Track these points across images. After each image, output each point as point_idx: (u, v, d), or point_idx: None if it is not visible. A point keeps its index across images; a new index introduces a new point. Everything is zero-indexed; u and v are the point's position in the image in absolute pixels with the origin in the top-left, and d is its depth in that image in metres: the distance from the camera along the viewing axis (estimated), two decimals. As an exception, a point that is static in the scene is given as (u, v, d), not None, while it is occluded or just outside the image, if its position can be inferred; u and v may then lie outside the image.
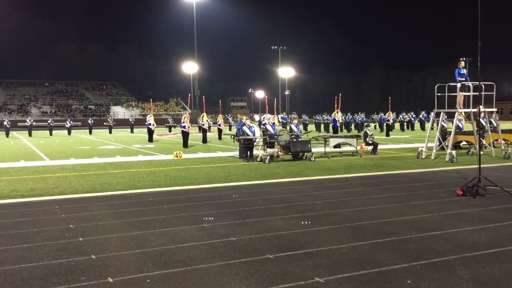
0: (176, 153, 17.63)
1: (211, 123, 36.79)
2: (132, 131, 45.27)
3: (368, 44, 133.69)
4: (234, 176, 12.27)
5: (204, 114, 28.34)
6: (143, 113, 72.53)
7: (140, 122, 56.36)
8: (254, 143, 16.94)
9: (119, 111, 76.99)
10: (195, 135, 31.72)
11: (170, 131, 44.48)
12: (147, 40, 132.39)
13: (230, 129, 41.76)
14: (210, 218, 7.36)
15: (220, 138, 29.50)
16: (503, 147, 16.33)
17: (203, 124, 27.56)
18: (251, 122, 17.97)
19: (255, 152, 16.88)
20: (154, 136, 29.89)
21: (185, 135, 23.46)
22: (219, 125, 30.87)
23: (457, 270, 4.84)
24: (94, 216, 7.66)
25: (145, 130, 30.80)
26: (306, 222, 6.99)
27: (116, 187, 10.65)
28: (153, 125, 28.72)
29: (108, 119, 50.11)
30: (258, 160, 15.92)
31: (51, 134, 40.78)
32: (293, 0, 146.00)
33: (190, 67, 74.86)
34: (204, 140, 26.42)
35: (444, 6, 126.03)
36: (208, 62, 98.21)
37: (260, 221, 7.12)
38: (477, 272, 4.78)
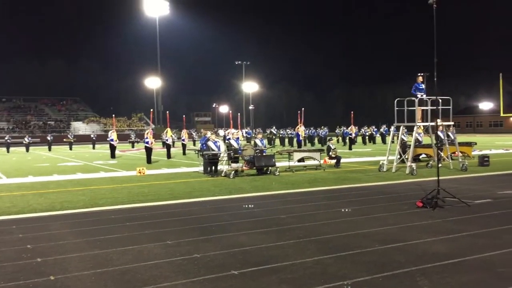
0: (139, 169, 17.37)
1: (175, 138, 36.49)
2: (93, 147, 44.36)
3: (330, 59, 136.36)
4: (198, 192, 12.18)
5: (168, 129, 28.06)
6: (105, 128, 71.29)
7: (102, 138, 55.27)
8: (219, 158, 16.90)
9: (80, 127, 75.42)
10: (158, 150, 31.35)
11: (133, 147, 43.82)
12: (110, 54, 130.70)
13: (194, 144, 41.52)
14: (173, 235, 7.26)
15: (184, 153, 29.28)
16: (460, 160, 16.87)
17: (167, 140, 27.30)
18: (215, 137, 17.94)
19: (219, 167, 16.83)
20: (117, 152, 29.38)
21: (149, 150, 23.16)
22: (183, 140, 30.66)
23: (419, 281, 4.94)
24: (53, 236, 7.44)
25: (107, 146, 30.22)
26: (271, 237, 7.00)
27: (76, 205, 10.38)
28: (116, 141, 28.24)
29: (69, 135, 48.93)
30: (222, 175, 15.88)
31: (8, 151, 39.46)
32: (257, 16, 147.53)
33: (153, 82, 74.23)
34: (168, 155, 26.16)
35: (404, 23, 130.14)
36: (172, 77, 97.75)
37: (224, 237, 7.08)
38: (437, 282, 4.89)
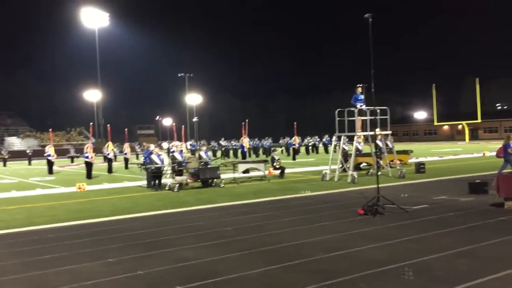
0: (79, 185, 16.77)
1: (117, 152, 35.58)
2: (29, 163, 42.38)
3: (273, 70, 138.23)
4: (141, 207, 11.92)
5: (109, 143, 27.32)
6: (42, 143, 68.38)
7: (38, 153, 52.93)
8: (163, 172, 16.63)
9: (15, 142, 71.90)
10: (99, 165, 30.43)
11: (72, 162, 42.31)
12: (47, 67, 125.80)
13: (137, 158, 40.64)
14: (115, 253, 7.04)
15: (126, 167, 28.58)
16: (398, 167, 17.52)
17: (108, 154, 26.57)
18: (159, 150, 17.66)
19: (163, 180, 16.56)
20: (55, 167, 28.24)
21: (89, 165, 22.42)
22: (126, 154, 29.95)
23: (362, 287, 5.05)
24: (-15, 258, 7.01)
25: (45, 161, 28.97)
26: (216, 250, 6.94)
27: (11, 224, 9.85)
28: (53, 156, 27.13)
29: (2, 151, 46.54)
30: (166, 188, 15.63)
31: None
32: (199, 28, 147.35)
33: (93, 95, 72.21)
34: (110, 170, 25.44)
35: (343, 35, 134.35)
36: (113, 89, 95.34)
37: (169, 252, 6.95)
38: (379, 288, 5.02)
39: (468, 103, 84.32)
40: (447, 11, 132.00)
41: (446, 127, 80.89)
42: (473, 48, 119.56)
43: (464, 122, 64.10)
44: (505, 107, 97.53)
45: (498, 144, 45.74)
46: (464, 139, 64.28)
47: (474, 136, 74.22)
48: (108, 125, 30.66)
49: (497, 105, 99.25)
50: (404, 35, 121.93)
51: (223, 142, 44.02)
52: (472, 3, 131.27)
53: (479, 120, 57.29)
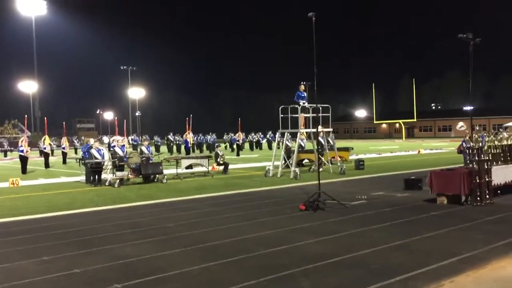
0: (12, 180, 15.98)
1: (54, 146, 34.20)
2: (-42, 157, 39.94)
3: (218, 66, 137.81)
4: (79, 203, 11.52)
5: (46, 136, 26.24)
6: (-27, 136, 64.61)
7: (-32, 146, 49.97)
8: (103, 167, 16.15)
9: None
10: (35, 159, 29.14)
11: (5, 156, 40.26)
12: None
13: (76, 152, 39.23)
14: (50, 250, 6.76)
15: (64, 162, 27.53)
16: (339, 164, 17.96)
17: (45, 148, 25.49)
18: (99, 145, 17.14)
19: (103, 176, 16.09)
20: (-14, 162, 26.74)
21: (24, 160, 21.40)
22: (64, 148, 28.84)
23: (301, 281, 5.13)
24: None
25: (-25, 155, 27.39)
26: (157, 246, 6.82)
27: None
28: (-15, 149, 25.69)
29: None
30: (106, 184, 15.21)
31: None
32: (144, 21, 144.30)
33: (29, 86, 68.98)
34: (46, 164, 24.42)
35: (287, 32, 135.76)
36: (51, 81, 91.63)
37: (107, 249, 6.76)
38: (317, 282, 5.12)
39: (405, 103, 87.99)
40: (385, 14, 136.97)
41: (384, 126, 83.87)
42: (410, 50, 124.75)
43: (401, 121, 66.71)
44: (439, 107, 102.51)
45: (433, 142, 47.65)
46: (401, 137, 66.92)
47: (410, 135, 77.50)
48: (45, 118, 29.39)
49: (432, 105, 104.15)
50: (346, 35, 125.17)
51: (171, 137, 42.49)
52: (408, 8, 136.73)
53: (415, 119, 59.80)
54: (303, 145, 21.06)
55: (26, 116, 34.40)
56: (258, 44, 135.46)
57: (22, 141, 21.97)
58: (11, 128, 75.40)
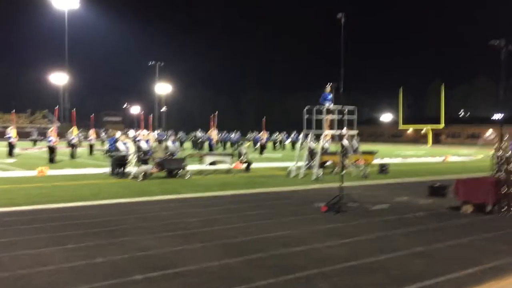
0: (40, 169, 16.37)
1: (81, 138, 34.88)
2: (-11, 144, 41.07)
3: (244, 65, 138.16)
4: (104, 194, 11.73)
5: (74, 128, 26.76)
6: (4, 125, 66.35)
7: (0, 135, 51.36)
8: (128, 160, 16.41)
9: (-25, 122, 69.51)
10: (63, 149, 29.76)
11: (35, 145, 41.24)
12: (11, 45, 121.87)
13: (102, 145, 39.94)
14: (75, 239, 6.92)
15: (91, 153, 28.07)
16: (362, 167, 17.82)
17: (73, 139, 26.02)
18: (125, 138, 17.41)
19: (128, 169, 16.34)
20: (16, 150, 27.44)
21: (52, 149, 21.92)
22: (91, 140, 29.41)
23: (319, 283, 5.13)
24: None
25: (5, 143, 28.11)
26: (177, 241, 6.91)
27: (-34, 207, 9.54)
28: (15, 138, 26.35)
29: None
30: (131, 177, 15.44)
31: None
32: (173, 16, 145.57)
33: (60, 78, 70.44)
34: (73, 155, 24.93)
35: (314, 34, 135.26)
36: (81, 74, 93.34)
37: (129, 241, 6.88)
38: (335, 284, 5.12)
39: (433, 108, 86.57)
40: (416, 17, 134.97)
41: (410, 130, 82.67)
42: (440, 54, 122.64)
43: (428, 126, 65.64)
44: (467, 114, 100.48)
45: (461, 149, 46.60)
46: (427, 143, 65.87)
47: (437, 141, 76.17)
48: (73, 110, 29.99)
49: (460, 111, 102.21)
50: (375, 38, 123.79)
51: (199, 133, 42.21)
52: (443, 12, 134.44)
53: (442, 125, 58.78)
54: (326, 147, 20.94)
55: (56, 107, 35.18)
56: (287, 44, 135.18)
57: (51, 131, 22.50)
58: (41, 118, 77.14)
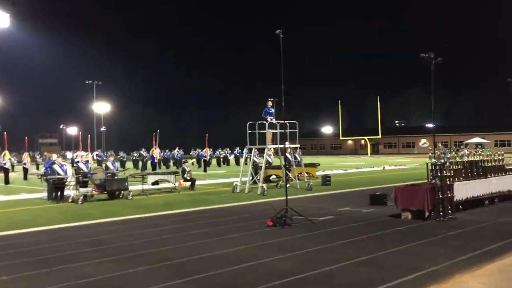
0: (-30, 197, 15.38)
1: (14, 162, 33.19)
2: None
3: (186, 82, 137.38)
4: (41, 220, 11.17)
5: (6, 152, 25.45)
6: None
7: None
8: (66, 183, 15.75)
9: None
10: (-5, 175, 28.14)
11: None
12: None
13: (37, 168, 38.17)
14: (9, 270, 6.50)
15: (25, 178, 26.74)
16: (306, 180, 18.08)
17: (5, 164, 24.70)
18: (62, 160, 16.73)
19: (66, 192, 15.68)
20: None
21: (-18, 176, 20.68)
22: (25, 164, 28.03)
23: (268, 298, 5.10)
24: None
25: None
26: (120, 265, 6.66)
27: None
28: None
29: None
30: (69, 201, 14.83)
31: None
32: (110, 35, 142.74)
33: (-12, 100, 66.85)
34: (6, 181, 23.65)
35: (254, 50, 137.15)
36: (12, 95, 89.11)
37: (67, 268, 6.55)
38: (285, 298, 5.10)
39: (370, 120, 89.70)
40: (350, 32, 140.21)
41: (350, 142, 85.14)
42: (374, 68, 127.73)
43: (366, 138, 67.92)
44: (402, 124, 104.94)
45: (397, 159, 48.27)
46: (366, 153, 68.05)
47: (375, 151, 78.87)
48: (5, 133, 28.53)
49: (396, 122, 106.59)
50: (313, 52, 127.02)
51: (143, 153, 40.84)
52: (373, 27, 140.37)
53: (379, 136, 61.03)
54: (270, 161, 21.10)
55: (-15, 130, 33.32)
56: (227, 59, 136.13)
57: (-20, 157, 21.23)
58: (-31, 143, 72.86)
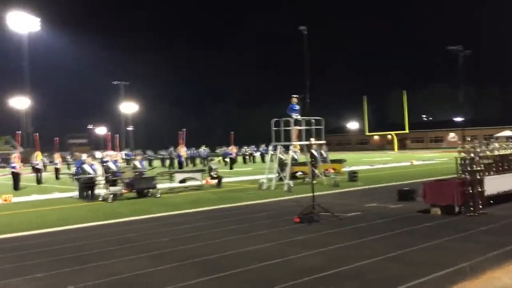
0: (5, 197, 15.83)
1: (46, 162, 34.00)
2: (-51, 174, 39.50)
3: (211, 81, 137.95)
4: (73, 219, 11.41)
5: (38, 152, 26.10)
6: (-36, 153, 64.12)
7: (-41, 163, 49.53)
8: (96, 182, 16.06)
9: None
10: (28, 175, 28.89)
11: (-3, 172, 39.92)
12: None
13: (68, 168, 39.00)
14: (43, 268, 6.67)
15: (57, 178, 27.36)
16: (332, 176, 17.97)
17: (37, 164, 25.32)
18: (92, 160, 17.06)
19: (97, 191, 15.98)
20: (-22, 178, 26.50)
21: (16, 176, 21.25)
22: (56, 164, 28.69)
23: (297, 295, 5.09)
24: None
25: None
26: (151, 262, 6.75)
27: None
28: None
29: None
30: (100, 199, 15.11)
31: None
32: (136, 36, 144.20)
33: (20, 102, 68.62)
34: (39, 180, 24.24)
35: (278, 47, 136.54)
36: (42, 97, 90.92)
37: (100, 266, 6.68)
38: (314, 295, 5.08)
39: (397, 115, 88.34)
40: (376, 25, 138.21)
41: (376, 137, 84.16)
42: (401, 61, 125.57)
43: (393, 133, 66.98)
44: (430, 118, 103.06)
45: (425, 153, 47.29)
46: (393, 149, 67.14)
47: (402, 146, 77.76)
48: (36, 134, 29.24)
49: (423, 116, 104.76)
50: (337, 47, 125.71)
51: (173, 151, 40.68)
52: (400, 20, 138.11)
53: (406, 131, 60.06)
54: (296, 157, 21.05)
55: (19, 132, 34.23)
56: (251, 57, 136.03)
57: (14, 157, 21.85)
58: (3, 144, 74.88)
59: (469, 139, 10.52)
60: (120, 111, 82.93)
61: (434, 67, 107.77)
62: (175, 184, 17.60)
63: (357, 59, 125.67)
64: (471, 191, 9.66)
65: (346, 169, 23.99)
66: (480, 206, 9.72)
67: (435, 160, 35.23)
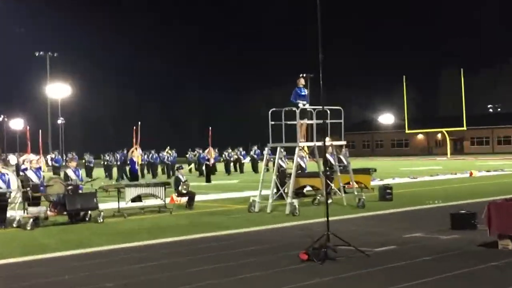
0: None
1: None
2: None
3: (179, 54, 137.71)
4: (-26, 254, 11.38)
5: None
6: None
7: None
8: (9, 200, 16.00)
9: None
10: None
11: None
12: None
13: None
14: None
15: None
16: (356, 193, 17.97)
17: None
18: (3, 168, 17.00)
19: (9, 213, 15.93)
20: None
21: None
22: None
23: None
24: None
25: None
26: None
27: None
28: None
29: None
30: (14, 225, 15.07)
31: None
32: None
33: None
34: None
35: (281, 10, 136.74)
36: None
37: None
38: None
39: (451, 104, 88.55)
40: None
41: (420, 137, 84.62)
42: (457, 28, 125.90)
43: (444, 130, 67.17)
44: (498, 110, 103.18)
45: (492, 161, 47.81)
46: (445, 153, 67.35)
47: (458, 150, 78.17)
48: None
49: (489, 106, 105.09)
50: (364, 11, 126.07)
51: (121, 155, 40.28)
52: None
53: (464, 128, 59.96)
54: (303, 165, 21.10)
55: None
56: (238, 23, 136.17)
57: None
58: None
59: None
60: (45, 95, 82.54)
61: (503, 42, 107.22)
62: (126, 204, 17.56)
63: (391, 26, 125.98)
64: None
65: (376, 182, 24.09)
66: None
67: (506, 170, 35.46)
